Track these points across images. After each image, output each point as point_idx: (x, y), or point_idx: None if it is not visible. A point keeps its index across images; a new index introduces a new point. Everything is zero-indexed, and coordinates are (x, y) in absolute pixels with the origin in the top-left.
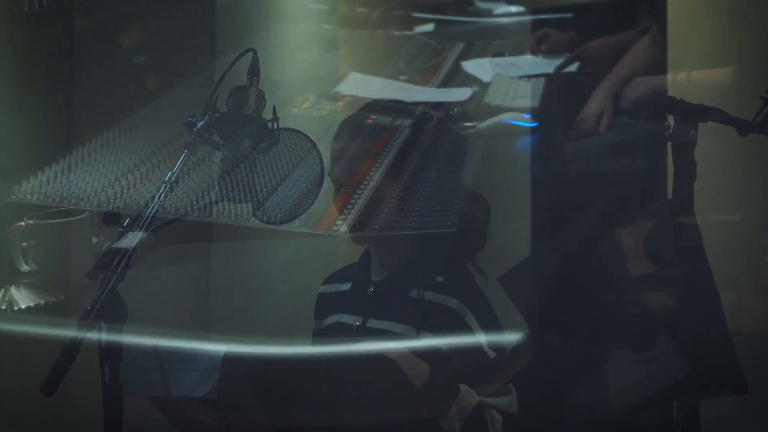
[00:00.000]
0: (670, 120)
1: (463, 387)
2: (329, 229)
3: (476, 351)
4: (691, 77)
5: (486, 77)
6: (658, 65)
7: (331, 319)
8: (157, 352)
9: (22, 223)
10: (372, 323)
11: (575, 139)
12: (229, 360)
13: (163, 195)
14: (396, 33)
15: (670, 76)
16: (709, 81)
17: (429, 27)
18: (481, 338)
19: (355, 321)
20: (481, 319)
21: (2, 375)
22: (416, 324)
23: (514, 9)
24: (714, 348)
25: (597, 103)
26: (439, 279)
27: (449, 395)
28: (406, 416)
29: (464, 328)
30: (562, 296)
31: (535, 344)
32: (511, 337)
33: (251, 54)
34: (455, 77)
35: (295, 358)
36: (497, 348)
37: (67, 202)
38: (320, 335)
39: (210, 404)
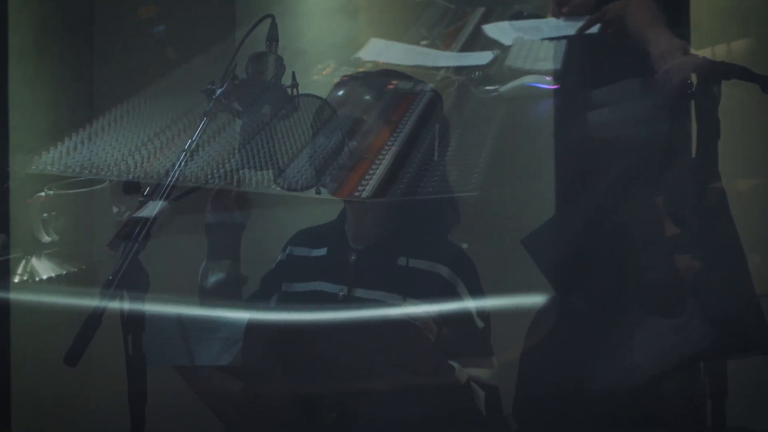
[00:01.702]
0: (693, 78)
1: (456, 366)
2: (351, 195)
3: (465, 320)
4: (712, 37)
5: (507, 40)
6: (680, 22)
7: (308, 286)
8: (180, 322)
9: (42, 194)
10: (359, 293)
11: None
12: (252, 328)
13: (183, 163)
14: None
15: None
16: (732, 41)
17: None
18: (471, 307)
19: (339, 290)
20: (471, 287)
21: (25, 345)
22: (406, 293)
23: None
24: (741, 308)
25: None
26: (455, 252)
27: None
28: (423, 380)
29: (454, 296)
30: (587, 259)
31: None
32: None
33: (270, 20)
34: (476, 41)
35: (317, 326)
36: (485, 318)
37: (87, 172)
38: (297, 301)
39: (234, 373)
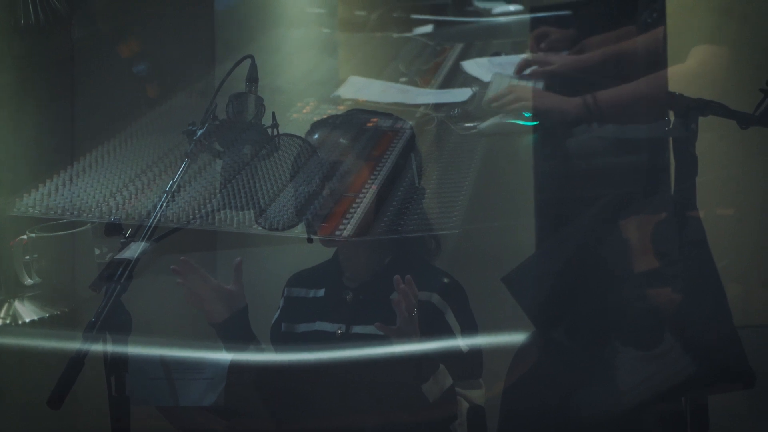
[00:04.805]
0: (671, 115)
1: (441, 366)
2: (332, 233)
3: (451, 345)
4: (690, 71)
5: (486, 77)
6: (657, 60)
7: (308, 327)
8: (164, 362)
9: (25, 237)
10: (356, 329)
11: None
12: (235, 368)
13: (164, 204)
14: (395, 35)
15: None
16: (708, 74)
17: (428, 28)
18: (456, 333)
19: (337, 328)
20: (458, 312)
21: (8, 389)
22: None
23: (512, 8)
24: (720, 342)
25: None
26: (445, 280)
27: (429, 367)
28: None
29: (442, 323)
30: (567, 295)
31: (538, 344)
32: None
33: (249, 61)
34: (455, 78)
35: (301, 365)
36: (471, 343)
37: (69, 214)
38: (296, 342)
39: (218, 413)
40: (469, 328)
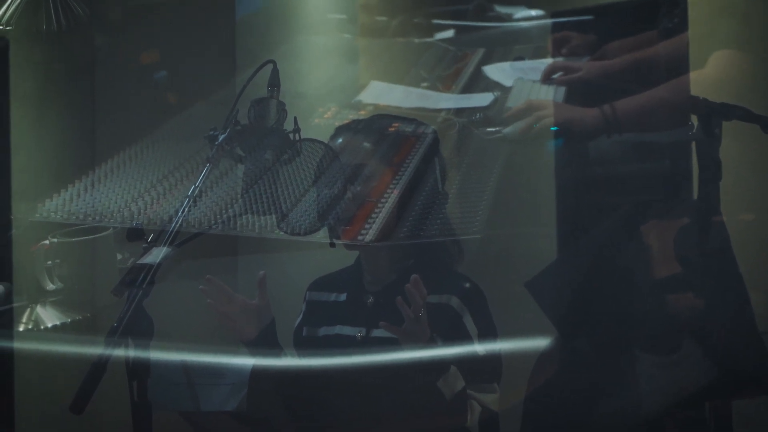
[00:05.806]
0: (694, 120)
1: (452, 368)
2: (354, 238)
3: (468, 349)
4: (711, 76)
5: (507, 82)
6: (680, 65)
7: (328, 330)
8: (185, 368)
9: (47, 242)
10: (376, 333)
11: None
12: (257, 373)
13: (186, 209)
14: (416, 40)
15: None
16: (730, 79)
17: (449, 33)
18: (474, 337)
19: (357, 332)
20: (477, 318)
21: (30, 394)
22: None
23: (533, 13)
24: (744, 348)
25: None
26: (466, 284)
27: (439, 368)
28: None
29: (460, 326)
30: (590, 300)
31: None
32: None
33: (271, 66)
34: (477, 83)
35: (323, 371)
36: (488, 348)
37: (90, 219)
38: (317, 345)
39: (240, 418)
40: (488, 332)
